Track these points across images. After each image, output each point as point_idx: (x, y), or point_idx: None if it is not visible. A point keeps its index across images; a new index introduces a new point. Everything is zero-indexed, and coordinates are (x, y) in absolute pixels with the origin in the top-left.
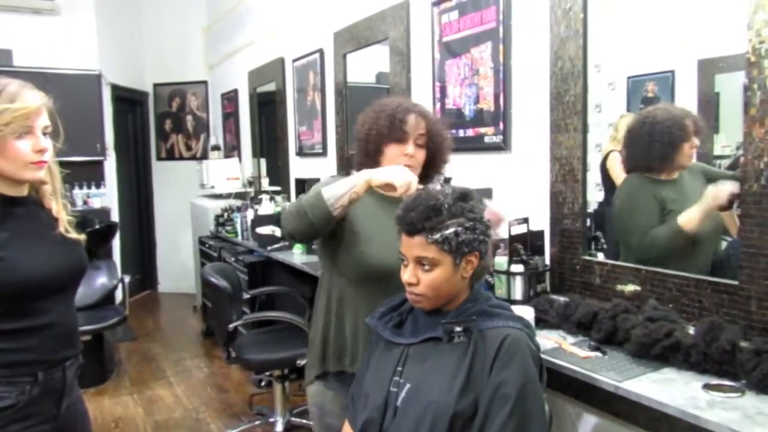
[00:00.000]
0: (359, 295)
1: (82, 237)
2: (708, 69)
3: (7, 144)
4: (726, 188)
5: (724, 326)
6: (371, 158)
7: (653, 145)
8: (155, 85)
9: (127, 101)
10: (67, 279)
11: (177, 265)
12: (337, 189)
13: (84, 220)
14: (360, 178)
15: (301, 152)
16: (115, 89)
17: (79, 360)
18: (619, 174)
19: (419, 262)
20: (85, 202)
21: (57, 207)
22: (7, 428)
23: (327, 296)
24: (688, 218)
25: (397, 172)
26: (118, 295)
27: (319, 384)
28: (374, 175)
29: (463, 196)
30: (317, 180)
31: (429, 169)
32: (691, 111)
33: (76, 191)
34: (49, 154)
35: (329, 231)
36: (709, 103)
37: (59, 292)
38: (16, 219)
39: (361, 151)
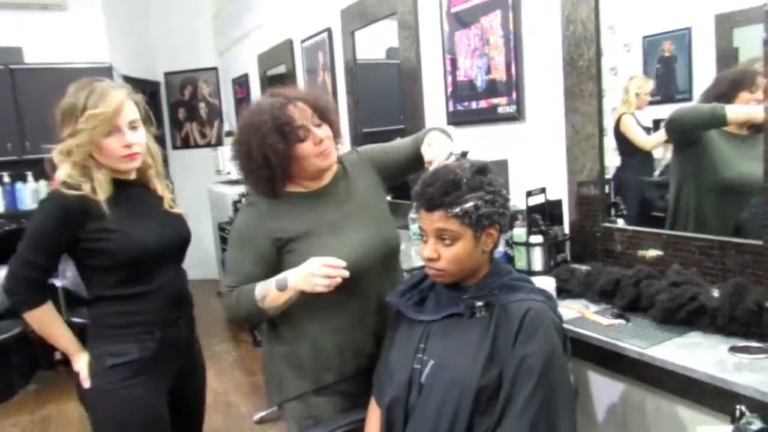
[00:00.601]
0: (331, 298)
1: (183, 212)
2: (725, 23)
3: (100, 143)
4: None
5: (750, 287)
6: (283, 173)
7: (716, 87)
8: (166, 74)
9: (140, 92)
10: (175, 247)
11: (199, 251)
12: (271, 301)
13: None
14: (290, 290)
15: None
16: (127, 80)
17: (193, 317)
18: (638, 134)
19: (440, 236)
20: None
21: (161, 187)
22: (136, 378)
23: (296, 312)
24: (737, 111)
25: (314, 275)
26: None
27: (296, 402)
28: (303, 286)
29: (482, 169)
30: None
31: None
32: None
33: None
34: (140, 146)
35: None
36: (729, 58)
37: (169, 259)
38: (128, 199)
39: (267, 175)
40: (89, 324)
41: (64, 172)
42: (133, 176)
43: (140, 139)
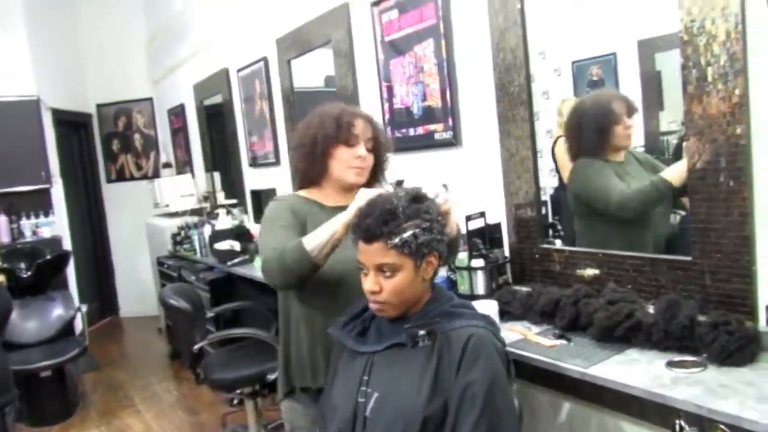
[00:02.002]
0: (313, 308)
1: (2, 279)
2: (648, 49)
3: None
4: None
5: (682, 302)
6: (319, 162)
7: (587, 134)
8: (99, 106)
9: (70, 124)
10: None
11: (137, 288)
12: (318, 239)
13: (34, 250)
14: (337, 224)
15: (254, 163)
16: (57, 113)
17: (16, 404)
18: (563, 160)
19: (380, 269)
20: (34, 233)
21: None
22: None
23: (285, 314)
24: (675, 173)
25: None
26: (78, 326)
27: (289, 401)
28: (349, 215)
29: (417, 197)
30: (273, 191)
31: (373, 176)
32: (622, 93)
33: (24, 221)
34: None
35: None
36: (652, 81)
37: None
38: None
39: (307, 156)
40: None
41: None
42: None
43: None
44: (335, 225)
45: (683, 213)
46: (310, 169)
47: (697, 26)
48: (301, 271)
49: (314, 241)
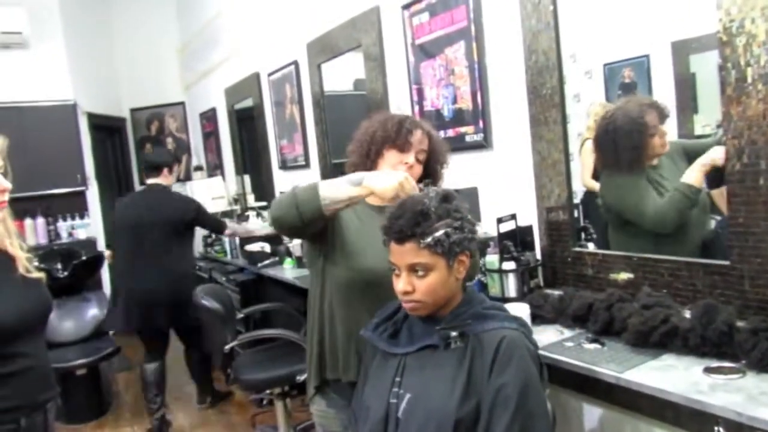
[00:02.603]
0: (351, 302)
1: (42, 275)
2: (682, 50)
3: None
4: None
5: (720, 307)
6: (370, 159)
7: (621, 150)
8: (132, 110)
9: (105, 129)
10: (36, 320)
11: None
12: (336, 192)
13: (70, 252)
14: (362, 188)
15: (284, 166)
16: (92, 117)
17: (57, 402)
18: (587, 164)
19: (413, 269)
20: (70, 234)
21: (12, 247)
22: None
23: (320, 305)
24: (694, 175)
25: (398, 187)
26: None
27: (320, 402)
28: (378, 187)
29: (446, 197)
30: None
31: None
32: (653, 100)
33: (60, 223)
34: (8, 194)
35: (315, 233)
36: (686, 83)
37: (30, 333)
38: None
39: (362, 151)
40: None
41: None
42: None
43: (9, 185)
44: (359, 189)
45: (719, 218)
46: (361, 164)
47: (736, 26)
48: (306, 215)
49: (330, 191)
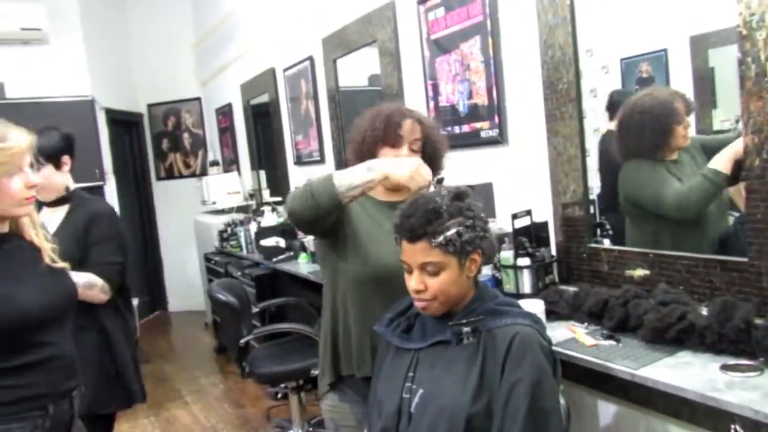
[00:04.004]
0: (364, 298)
1: (67, 265)
2: (700, 45)
3: (1, 184)
4: None
5: (737, 304)
6: (367, 154)
7: (646, 134)
8: (149, 106)
9: (123, 124)
10: (62, 309)
11: (185, 283)
12: (351, 178)
13: None
14: (377, 172)
15: (299, 161)
16: (110, 113)
17: (82, 390)
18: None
19: (424, 268)
20: None
21: (38, 238)
22: None
23: (332, 302)
24: (723, 161)
25: (413, 172)
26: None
27: (333, 397)
28: (393, 172)
29: (459, 195)
30: None
31: None
32: (680, 91)
33: None
34: (35, 189)
35: (329, 227)
36: (705, 78)
37: (55, 322)
38: (3, 256)
39: (356, 153)
40: None
41: None
42: (6, 228)
43: (38, 181)
44: (373, 173)
45: (737, 214)
46: (359, 157)
47: (756, 20)
48: (323, 204)
49: (346, 178)
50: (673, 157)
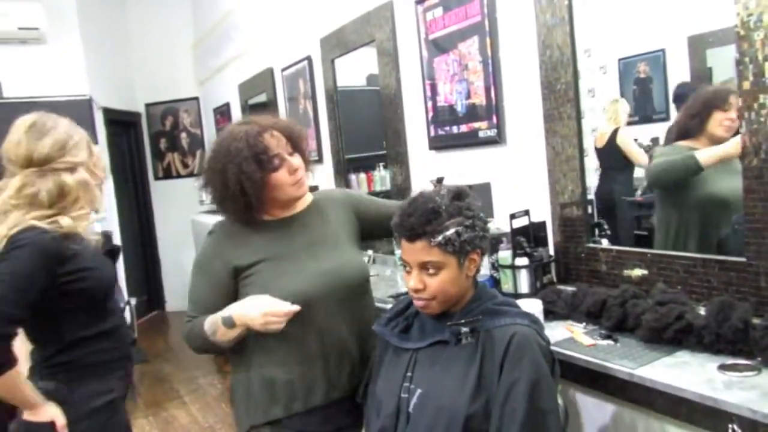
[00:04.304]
0: (279, 336)
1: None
2: (698, 45)
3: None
4: None
5: (735, 304)
6: (258, 201)
7: (685, 115)
8: (147, 105)
9: (120, 123)
10: (114, 283)
11: (183, 283)
12: (220, 336)
13: None
14: (239, 327)
15: None
16: (107, 112)
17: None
18: (635, 148)
19: (424, 266)
20: None
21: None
22: (118, 416)
23: (243, 342)
24: (708, 155)
25: (260, 316)
26: (127, 318)
27: (268, 429)
28: (252, 324)
29: (458, 194)
30: (316, 187)
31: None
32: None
33: None
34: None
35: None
36: (702, 78)
37: (113, 295)
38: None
39: (238, 204)
40: (64, 369)
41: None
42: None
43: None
44: (239, 329)
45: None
46: (253, 209)
47: (754, 20)
48: (211, 352)
49: (219, 337)
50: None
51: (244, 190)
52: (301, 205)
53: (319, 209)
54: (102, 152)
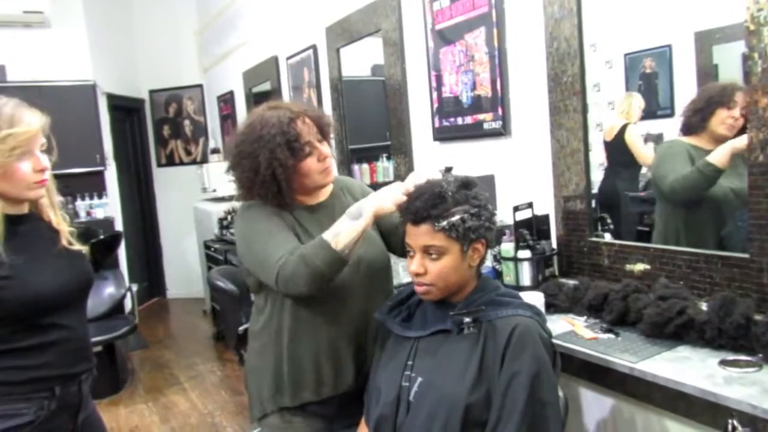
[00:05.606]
0: (316, 315)
1: (85, 248)
2: (705, 41)
3: (10, 167)
4: None
5: (737, 300)
6: (288, 187)
7: (689, 110)
8: (151, 92)
9: (124, 109)
10: (76, 292)
11: (184, 270)
12: (346, 236)
13: (88, 231)
14: (366, 216)
15: None
16: (111, 98)
17: (93, 373)
18: (641, 147)
19: (426, 251)
20: (88, 213)
21: (56, 219)
22: None
23: (277, 324)
24: (721, 154)
25: (396, 198)
26: (127, 304)
27: (275, 417)
28: (380, 207)
29: (466, 183)
30: None
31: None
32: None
33: (79, 203)
34: (48, 171)
35: None
36: (708, 75)
37: (70, 305)
38: (21, 237)
39: (273, 187)
40: None
41: None
42: (25, 209)
43: (48, 163)
44: (363, 220)
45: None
46: (285, 194)
47: (764, 15)
48: (334, 273)
49: (343, 240)
50: (710, 147)
51: (275, 175)
52: (324, 194)
53: (341, 196)
54: (105, 138)
